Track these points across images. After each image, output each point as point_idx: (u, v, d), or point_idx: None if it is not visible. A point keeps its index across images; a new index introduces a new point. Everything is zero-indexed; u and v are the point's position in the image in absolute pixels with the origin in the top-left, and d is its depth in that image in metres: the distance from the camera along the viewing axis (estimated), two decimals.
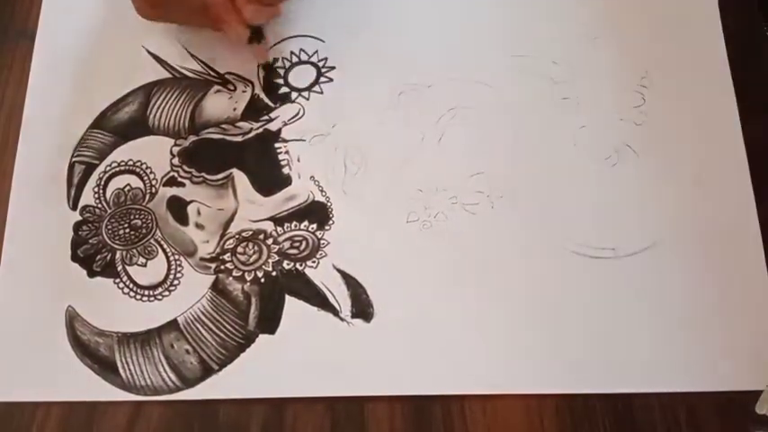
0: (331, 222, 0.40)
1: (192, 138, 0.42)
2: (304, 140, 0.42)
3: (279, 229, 0.40)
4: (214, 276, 0.40)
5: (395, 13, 0.44)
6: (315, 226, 0.40)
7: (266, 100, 0.43)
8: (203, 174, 0.41)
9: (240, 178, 0.41)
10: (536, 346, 0.38)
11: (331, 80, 0.43)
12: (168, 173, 0.42)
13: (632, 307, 0.38)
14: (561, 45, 0.43)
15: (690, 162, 0.41)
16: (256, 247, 0.40)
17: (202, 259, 0.40)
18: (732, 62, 0.42)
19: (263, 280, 0.39)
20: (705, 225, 0.40)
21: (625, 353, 0.38)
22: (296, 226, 0.40)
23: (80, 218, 0.41)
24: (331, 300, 0.39)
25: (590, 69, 0.43)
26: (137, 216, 0.41)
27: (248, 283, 0.39)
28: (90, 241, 0.40)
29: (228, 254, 0.40)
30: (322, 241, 0.40)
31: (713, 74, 0.43)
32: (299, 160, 0.42)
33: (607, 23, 0.43)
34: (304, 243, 0.40)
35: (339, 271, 0.39)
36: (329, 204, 0.41)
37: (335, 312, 0.39)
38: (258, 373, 0.38)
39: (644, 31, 0.43)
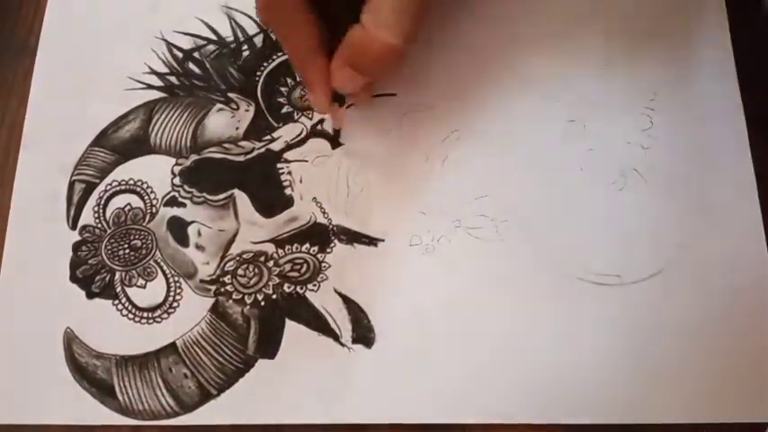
0: (332, 245, 0.40)
1: (194, 157, 0.42)
2: (306, 161, 0.41)
3: (280, 251, 0.40)
4: (214, 299, 0.39)
5: None
6: (316, 248, 0.40)
7: (269, 119, 0.42)
8: (204, 194, 0.41)
9: (242, 199, 0.41)
10: (540, 375, 0.37)
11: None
12: (169, 193, 0.41)
13: (637, 335, 0.38)
14: (569, 66, 0.43)
15: (698, 187, 0.40)
16: (257, 270, 0.40)
17: (202, 281, 0.40)
18: (742, 86, 0.42)
19: (263, 303, 0.39)
20: (713, 252, 0.39)
21: (630, 382, 0.37)
22: (297, 248, 0.40)
23: (79, 238, 0.40)
24: (332, 324, 0.38)
25: (597, 91, 0.42)
26: (137, 236, 0.40)
27: (248, 306, 0.39)
28: (89, 262, 0.40)
29: (229, 276, 0.39)
30: (323, 264, 0.40)
31: (722, 98, 0.42)
32: (301, 181, 0.41)
33: (615, 46, 0.43)
34: (305, 266, 0.40)
35: (340, 295, 0.39)
36: (331, 226, 0.40)
37: (336, 337, 0.38)
38: (257, 399, 0.37)
39: (652, 53, 0.43)
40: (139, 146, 0.42)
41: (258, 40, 0.44)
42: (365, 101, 0.41)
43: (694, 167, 0.41)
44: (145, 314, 0.39)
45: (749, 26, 0.43)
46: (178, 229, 0.40)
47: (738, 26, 0.43)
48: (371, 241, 0.40)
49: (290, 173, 0.41)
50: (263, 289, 0.39)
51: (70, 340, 0.39)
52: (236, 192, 0.41)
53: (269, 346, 0.38)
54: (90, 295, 0.39)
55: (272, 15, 0.35)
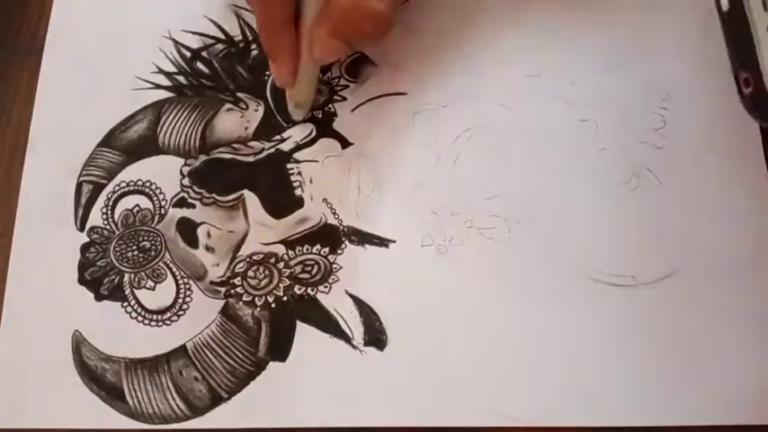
0: (344, 246, 0.40)
1: (203, 157, 0.41)
2: (317, 161, 0.41)
3: (290, 252, 0.40)
4: (224, 301, 0.39)
5: None
6: (327, 250, 0.39)
7: (278, 119, 0.42)
8: (214, 195, 0.41)
9: (251, 200, 0.40)
10: (553, 376, 0.37)
11: (344, 99, 0.42)
12: (178, 193, 0.41)
13: (651, 337, 0.38)
14: (580, 65, 0.42)
15: (712, 187, 0.40)
16: (267, 271, 0.39)
17: (212, 283, 0.39)
18: None
19: (273, 305, 0.39)
20: (727, 252, 0.39)
21: (644, 383, 0.37)
22: (308, 249, 0.40)
23: (87, 239, 0.40)
24: (343, 326, 0.38)
25: (610, 90, 0.42)
26: (145, 238, 0.40)
27: (259, 309, 0.39)
28: (97, 264, 0.40)
29: (239, 278, 0.39)
30: (334, 265, 0.39)
31: (735, 97, 0.41)
32: (311, 182, 0.41)
33: (628, 45, 0.42)
34: (316, 267, 0.39)
35: (351, 296, 0.39)
36: (342, 227, 0.40)
37: (348, 340, 0.38)
38: (268, 402, 0.37)
39: (665, 52, 0.42)
40: (148, 146, 0.42)
41: None
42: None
43: (708, 167, 0.40)
44: (154, 316, 0.39)
45: None
46: (187, 230, 0.40)
47: None
48: (383, 242, 0.39)
49: (300, 173, 0.41)
50: (274, 291, 0.39)
51: (79, 343, 0.38)
52: (246, 192, 0.41)
53: (280, 348, 0.38)
54: (99, 297, 0.39)
55: None
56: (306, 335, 0.38)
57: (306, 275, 0.39)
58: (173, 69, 0.43)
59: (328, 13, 0.35)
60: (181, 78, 0.43)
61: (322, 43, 0.35)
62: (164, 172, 0.41)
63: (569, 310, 0.38)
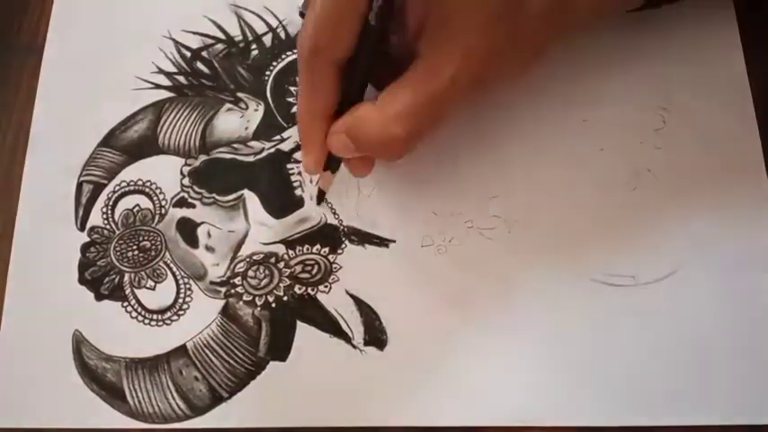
0: (344, 246, 0.40)
1: (203, 157, 0.41)
2: None
3: (290, 252, 0.40)
4: (224, 301, 0.39)
5: None
6: (327, 249, 0.40)
7: (278, 119, 0.42)
8: (214, 195, 0.41)
9: (252, 199, 0.40)
10: (554, 376, 0.37)
11: None
12: (178, 193, 0.41)
13: (652, 336, 0.38)
14: (580, 65, 0.42)
15: (711, 187, 0.40)
16: (267, 271, 0.39)
17: (212, 283, 0.39)
18: (754, 86, 0.41)
19: (273, 305, 0.39)
20: (727, 252, 0.39)
21: (645, 383, 0.37)
22: (308, 249, 0.40)
23: (88, 239, 0.40)
24: (343, 326, 0.38)
25: (610, 91, 0.42)
26: (146, 238, 0.40)
27: (259, 308, 0.39)
28: (98, 263, 0.40)
29: (239, 278, 0.39)
30: (334, 265, 0.39)
31: (735, 97, 0.42)
32: (311, 182, 0.41)
33: (628, 44, 0.42)
34: (316, 267, 0.39)
35: (352, 296, 0.39)
36: (342, 227, 0.40)
37: (348, 339, 0.38)
38: (269, 402, 0.37)
39: (665, 52, 0.42)
40: (148, 146, 0.42)
41: (267, 40, 0.44)
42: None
43: (708, 167, 0.40)
44: (155, 316, 0.39)
45: (760, 27, 0.43)
46: (188, 230, 0.40)
47: (749, 26, 0.42)
48: (383, 242, 0.39)
49: (300, 173, 0.41)
50: (274, 290, 0.39)
51: (79, 343, 0.38)
52: (246, 192, 0.41)
53: (280, 348, 0.38)
54: (99, 297, 0.39)
55: (315, 61, 0.34)
56: (306, 334, 0.38)
57: (306, 275, 0.39)
58: (173, 69, 0.43)
59: (349, 113, 0.35)
60: (181, 78, 0.43)
61: (333, 137, 0.35)
62: (164, 172, 0.41)
63: (569, 309, 0.38)
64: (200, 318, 0.39)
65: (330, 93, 0.35)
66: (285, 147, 0.41)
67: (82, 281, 0.39)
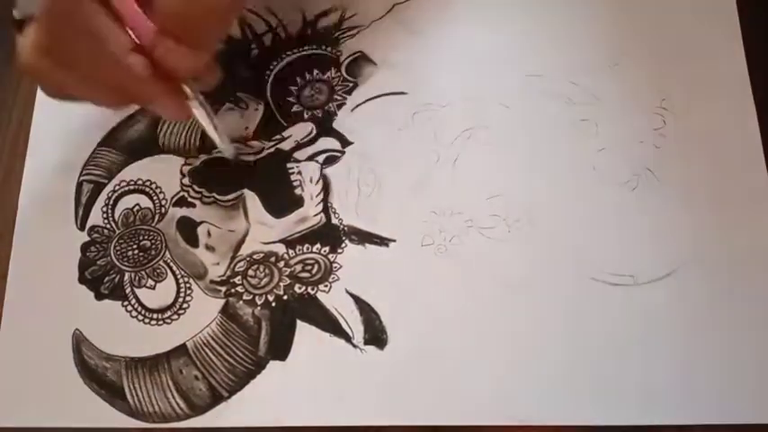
0: (344, 245, 0.40)
1: (203, 157, 0.41)
2: (317, 161, 0.41)
3: (290, 251, 0.40)
4: (224, 300, 0.39)
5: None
6: (327, 249, 0.40)
7: (279, 119, 0.42)
8: (214, 194, 0.41)
9: (252, 199, 0.41)
10: (553, 375, 0.37)
11: (344, 99, 0.42)
12: (178, 193, 0.41)
13: (651, 335, 0.38)
14: (580, 65, 0.42)
15: (711, 186, 0.40)
16: (267, 270, 0.39)
17: (212, 282, 0.39)
18: (754, 85, 0.41)
19: (274, 304, 0.39)
20: (726, 251, 0.39)
21: (644, 383, 0.37)
22: (308, 249, 0.40)
23: (88, 238, 0.40)
24: (343, 325, 0.38)
25: (609, 90, 0.42)
26: (146, 237, 0.40)
27: (259, 308, 0.39)
28: (98, 263, 0.40)
29: (239, 277, 0.39)
30: (334, 265, 0.39)
31: (735, 97, 0.42)
32: (311, 181, 0.41)
33: (628, 45, 0.42)
34: (316, 266, 0.39)
35: (352, 295, 0.39)
36: (342, 227, 0.40)
37: (348, 339, 0.38)
38: (269, 401, 0.37)
39: (665, 52, 0.42)
40: (148, 146, 0.42)
41: (267, 39, 0.44)
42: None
43: (707, 166, 0.40)
44: (155, 315, 0.39)
45: (761, 26, 0.43)
46: (188, 229, 0.40)
47: (750, 25, 0.42)
48: (383, 241, 0.39)
49: (300, 173, 0.41)
50: (274, 290, 0.39)
51: (79, 342, 0.38)
52: (246, 192, 0.41)
53: (280, 347, 0.38)
54: (99, 296, 0.39)
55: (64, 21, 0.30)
56: (306, 334, 0.38)
57: (306, 274, 0.39)
58: None
59: (161, 18, 0.31)
60: None
61: (168, 55, 0.32)
62: (164, 171, 0.41)
63: (569, 309, 0.38)
64: (201, 317, 0.39)
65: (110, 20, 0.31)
66: (285, 146, 0.41)
67: (82, 280, 0.39)
